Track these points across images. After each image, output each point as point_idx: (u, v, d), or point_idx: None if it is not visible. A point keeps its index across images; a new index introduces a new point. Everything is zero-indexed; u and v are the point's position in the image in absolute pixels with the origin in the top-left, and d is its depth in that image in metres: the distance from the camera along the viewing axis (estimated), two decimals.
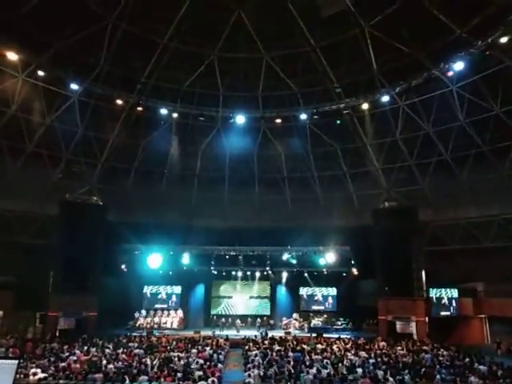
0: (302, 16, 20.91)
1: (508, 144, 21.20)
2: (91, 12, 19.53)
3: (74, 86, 21.75)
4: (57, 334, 21.10)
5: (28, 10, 18.03)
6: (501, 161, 21.78)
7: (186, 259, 25.78)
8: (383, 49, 21.50)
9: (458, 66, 19.64)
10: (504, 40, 17.88)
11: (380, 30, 20.56)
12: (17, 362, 6.88)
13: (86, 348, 16.50)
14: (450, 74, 20.45)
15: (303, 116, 24.30)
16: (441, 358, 16.19)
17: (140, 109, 23.60)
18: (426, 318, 22.41)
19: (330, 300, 28.43)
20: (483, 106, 20.84)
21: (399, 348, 17.89)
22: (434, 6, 18.34)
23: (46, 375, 12.61)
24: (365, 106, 23.24)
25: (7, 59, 19.14)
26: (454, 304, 23.19)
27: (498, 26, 17.77)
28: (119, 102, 22.97)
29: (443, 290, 23.33)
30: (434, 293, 23.17)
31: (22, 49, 19.28)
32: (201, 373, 12.83)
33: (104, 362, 14.07)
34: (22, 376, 11.55)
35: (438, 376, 13.81)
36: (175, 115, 24.45)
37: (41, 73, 20.67)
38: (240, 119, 24.49)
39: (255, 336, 21.57)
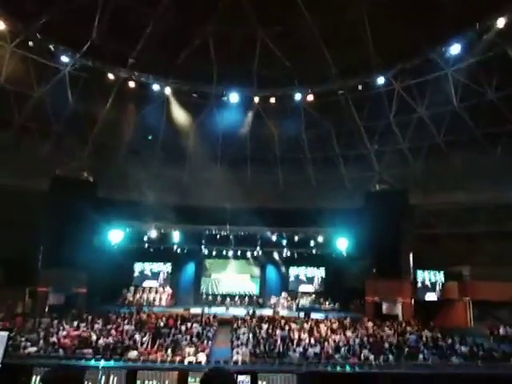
0: None
1: (501, 130, 21.22)
2: None
3: (64, 59, 21.24)
4: (46, 309, 21.14)
5: None
6: (493, 146, 21.88)
7: (176, 237, 25.83)
8: (381, 30, 21.21)
9: (455, 48, 19.49)
10: (501, 25, 17.75)
11: (378, 10, 20.24)
12: (7, 333, 6.92)
13: (75, 323, 16.59)
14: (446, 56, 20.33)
15: (298, 96, 24.04)
16: (425, 339, 16.58)
17: (132, 84, 23.12)
18: (412, 300, 22.80)
19: (319, 280, 28.76)
20: (478, 90, 20.79)
21: (386, 329, 18.24)
22: None
23: (36, 349, 12.71)
24: (360, 88, 23.06)
25: None
26: (439, 287, 23.60)
27: (495, 11, 17.59)
28: (111, 76, 22.50)
29: (430, 272, 23.69)
30: (420, 275, 23.52)
31: (11, 18, 18.71)
32: (190, 349, 13.03)
33: (94, 337, 14.18)
34: (11, 349, 11.61)
35: (420, 356, 14.17)
36: (168, 91, 24.03)
37: (30, 43, 20.10)
38: (234, 97, 24.17)
39: (244, 315, 21.83)
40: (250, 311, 22.54)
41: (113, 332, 15.93)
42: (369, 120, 25.12)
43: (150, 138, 26.22)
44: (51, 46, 20.76)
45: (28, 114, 22.49)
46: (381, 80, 22.53)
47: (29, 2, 19.00)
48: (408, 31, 20.56)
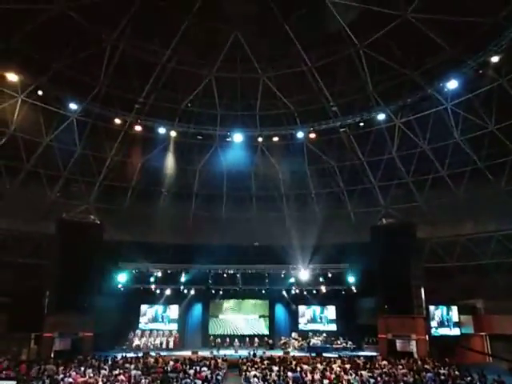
0: (297, 37, 21.31)
1: (503, 160, 21.38)
2: (90, 33, 19.85)
3: (72, 106, 21.93)
4: (52, 355, 20.72)
5: (28, 32, 18.29)
6: (497, 177, 21.94)
7: (183, 278, 25.58)
8: (378, 68, 21.95)
9: (452, 84, 19.98)
10: (495, 59, 18.28)
11: (374, 49, 21.02)
12: (14, 382, 6.82)
13: (82, 369, 16.22)
14: (444, 92, 20.83)
15: (300, 134, 24.49)
16: (442, 377, 15.98)
17: (138, 128, 23.73)
18: (427, 336, 22.17)
19: (329, 318, 28.12)
20: (478, 123, 21.12)
21: (400, 367, 17.64)
22: (426, 27, 18.74)
23: None
24: (361, 125, 23.52)
25: (7, 80, 19.35)
26: (453, 322, 22.99)
27: (488, 46, 18.19)
28: (117, 121, 23.12)
29: (443, 307, 23.16)
30: (433, 310, 22.99)
31: (22, 70, 19.51)
32: None
33: (100, 383, 13.83)
34: None
35: None
36: (173, 134, 24.60)
37: (40, 93, 20.86)
38: (237, 137, 24.66)
39: (247, 355, 21.29)
40: (252, 353, 21.92)
41: (120, 377, 15.53)
42: (372, 155, 25.44)
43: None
44: (60, 94, 21.52)
45: (37, 159, 23.00)
46: (381, 116, 22.97)
47: (40, 54, 19.83)
48: (405, 68, 21.28)
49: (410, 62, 21.11)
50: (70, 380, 14.44)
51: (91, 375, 15.34)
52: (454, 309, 23.17)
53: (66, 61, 20.56)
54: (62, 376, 14.97)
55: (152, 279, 25.25)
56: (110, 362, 18.25)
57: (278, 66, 23.48)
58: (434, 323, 22.80)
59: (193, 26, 20.60)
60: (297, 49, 21.92)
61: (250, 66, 23.21)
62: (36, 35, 18.41)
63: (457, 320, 23.03)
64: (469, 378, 15.68)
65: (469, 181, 22.89)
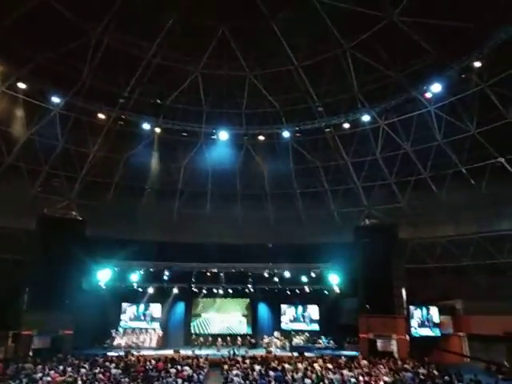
0: (284, 36, 21.31)
1: (484, 164, 21.75)
2: (75, 26, 19.48)
3: (55, 100, 21.52)
4: (30, 353, 20.31)
5: (10, 23, 17.86)
6: (478, 180, 22.31)
7: (165, 276, 25.37)
8: (364, 69, 22.12)
9: (436, 87, 20.26)
10: (478, 64, 18.62)
11: (361, 50, 21.18)
12: None
13: (61, 368, 15.95)
14: (428, 95, 21.10)
15: (286, 133, 24.55)
16: (421, 377, 16.21)
17: (122, 123, 23.41)
18: (407, 336, 22.45)
19: (312, 318, 28.24)
20: (460, 126, 21.46)
21: (380, 366, 17.84)
22: (412, 30, 18.95)
23: None
24: (346, 125, 23.69)
25: None
26: (433, 322, 23.33)
27: (472, 51, 18.50)
28: (101, 116, 22.78)
29: (423, 307, 23.48)
30: (413, 310, 23.28)
31: (3, 60, 19.03)
32: None
33: (80, 382, 13.62)
34: None
35: None
36: (158, 130, 24.35)
37: (21, 85, 20.40)
38: (223, 135, 24.56)
39: (224, 355, 21.26)
40: (231, 352, 21.88)
41: (100, 376, 15.32)
42: (356, 156, 25.65)
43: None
44: (42, 87, 21.08)
45: (18, 153, 22.50)
46: (366, 118, 23.17)
47: (22, 46, 19.37)
48: (390, 70, 21.50)
49: (396, 64, 21.33)
50: (49, 379, 14.20)
51: (70, 374, 15.11)
52: (434, 309, 23.50)
53: (49, 53, 20.12)
54: (40, 375, 14.71)
55: (134, 277, 24.98)
56: (89, 361, 17.98)
57: (264, 65, 23.43)
58: (414, 323, 23.09)
59: (179, 21, 20.40)
60: (284, 48, 21.91)
61: (236, 63, 23.13)
62: (18, 26, 17.94)
63: (437, 321, 23.36)
64: (446, 378, 15.95)
65: (450, 183, 23.24)
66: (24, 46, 19.52)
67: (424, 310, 23.42)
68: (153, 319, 26.94)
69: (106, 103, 23.03)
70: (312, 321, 28.11)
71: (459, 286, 23.11)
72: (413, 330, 22.88)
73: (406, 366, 18.25)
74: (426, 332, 23.10)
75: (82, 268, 22.74)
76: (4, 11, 17.48)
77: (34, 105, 21.68)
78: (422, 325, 23.21)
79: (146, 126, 23.85)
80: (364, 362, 18.79)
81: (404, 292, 23.08)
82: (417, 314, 23.30)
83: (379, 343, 23.00)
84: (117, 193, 26.21)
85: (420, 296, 23.73)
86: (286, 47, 21.89)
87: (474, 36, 18.10)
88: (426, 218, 24.49)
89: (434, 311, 23.45)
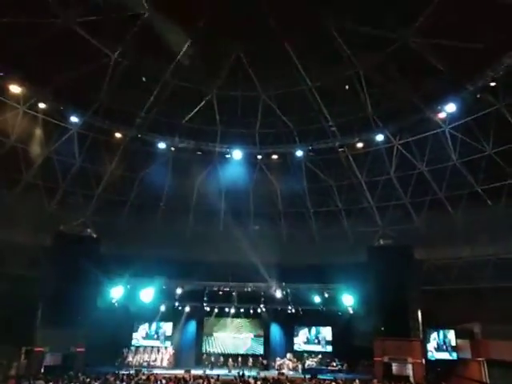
0: (298, 56, 21.60)
1: (501, 184, 21.43)
2: (94, 48, 20.07)
3: (73, 119, 22.08)
4: (42, 370, 20.32)
5: (33, 46, 18.51)
6: (495, 200, 21.94)
7: (177, 294, 25.30)
8: (377, 89, 22.18)
9: (450, 107, 20.19)
10: (493, 84, 18.52)
11: (374, 71, 21.26)
12: None
13: None
14: (443, 115, 21.03)
15: (299, 153, 24.65)
16: None
17: (138, 142, 23.85)
18: (423, 360, 21.85)
19: (325, 340, 27.76)
20: (476, 146, 21.25)
21: None
22: (425, 51, 19.03)
23: None
24: (359, 145, 23.68)
25: (10, 91, 19.49)
26: (450, 346, 22.70)
27: (487, 71, 18.44)
28: (118, 135, 23.24)
29: (440, 331, 22.90)
30: (430, 334, 22.71)
31: (25, 82, 19.67)
32: None
33: None
34: None
35: None
36: (173, 149, 24.69)
37: (42, 105, 21.02)
38: (237, 154, 24.76)
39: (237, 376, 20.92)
40: (241, 373, 21.45)
41: None
42: (370, 175, 25.55)
43: None
44: (61, 107, 21.66)
45: (36, 171, 23.03)
46: (380, 137, 23.14)
47: (42, 67, 20.02)
48: (404, 91, 21.52)
49: (409, 84, 21.34)
50: None
51: None
52: (451, 332, 22.88)
53: (69, 74, 20.72)
54: None
55: (146, 295, 24.94)
56: (100, 379, 17.89)
57: (278, 85, 23.71)
58: (430, 347, 22.50)
59: (195, 44, 20.87)
60: (297, 68, 22.18)
61: (250, 84, 23.45)
62: (39, 48, 18.57)
63: (454, 344, 22.72)
64: None
65: (466, 203, 22.88)
66: (44, 67, 20.15)
67: (441, 332, 22.84)
68: (165, 338, 26.83)
69: (122, 122, 23.53)
70: (325, 342, 27.63)
71: (477, 308, 22.44)
72: (429, 353, 22.30)
73: None
74: (443, 356, 22.47)
75: (95, 285, 22.83)
76: (27, 34, 18.12)
77: (52, 124, 22.30)
78: (438, 348, 22.61)
79: (162, 145, 24.22)
80: None
81: (420, 314, 22.59)
82: (433, 337, 22.73)
83: (394, 367, 22.42)
84: (132, 211, 26.51)
85: (436, 319, 23.14)
86: (300, 68, 22.15)
87: (489, 56, 18.06)
88: (441, 238, 24.03)
89: (451, 334, 22.84)
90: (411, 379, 21.08)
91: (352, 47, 20.55)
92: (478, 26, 17.00)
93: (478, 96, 19.43)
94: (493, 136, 20.61)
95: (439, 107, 20.76)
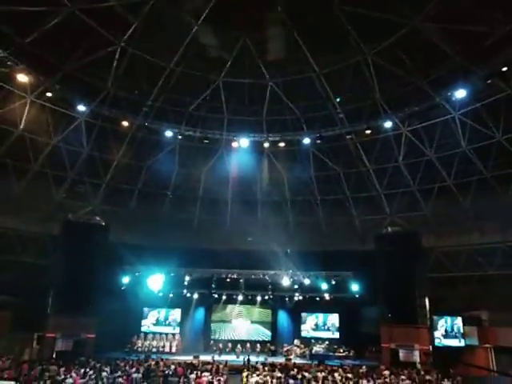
0: (306, 43, 21.34)
1: (511, 171, 21.19)
2: (100, 36, 19.98)
3: (81, 108, 22.03)
4: (53, 355, 20.74)
5: (39, 35, 18.46)
6: (504, 187, 21.73)
7: (186, 281, 25.54)
8: (386, 75, 21.85)
9: (460, 93, 19.85)
10: (504, 69, 18.16)
11: (382, 57, 20.96)
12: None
13: (82, 371, 16.22)
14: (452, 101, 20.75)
15: (306, 140, 24.44)
16: None
17: (145, 130, 23.85)
18: (430, 347, 21.94)
19: (332, 326, 27.96)
20: (485, 133, 20.97)
21: (403, 377, 17.46)
22: (435, 35, 18.69)
23: None
24: (367, 132, 23.43)
25: (17, 81, 19.51)
26: (458, 332, 22.75)
27: (498, 56, 18.07)
28: (125, 123, 23.22)
29: (447, 318, 22.94)
30: (437, 320, 22.76)
31: (32, 71, 19.65)
32: None
33: None
34: None
35: None
36: (180, 138, 24.67)
37: (49, 94, 21.00)
38: (244, 142, 24.67)
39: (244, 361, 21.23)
40: (246, 358, 21.79)
41: (120, 380, 15.54)
42: (378, 163, 25.36)
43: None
44: (69, 96, 21.67)
45: (44, 160, 23.15)
46: (388, 124, 22.86)
47: (49, 56, 20.00)
48: (413, 76, 21.20)
49: (419, 69, 21.01)
50: (71, 381, 14.47)
51: (92, 377, 15.36)
52: (459, 319, 22.93)
53: (76, 63, 20.71)
54: (63, 377, 15.00)
55: (155, 282, 25.18)
56: (110, 365, 18.22)
57: (285, 72, 23.49)
58: (437, 334, 22.58)
59: (202, 30, 20.69)
60: (305, 55, 21.93)
61: (257, 71, 23.25)
62: (46, 37, 18.53)
63: (461, 331, 22.78)
64: None
65: (475, 190, 22.67)
66: (51, 56, 20.15)
67: (448, 320, 22.88)
68: (175, 324, 27.19)
69: (129, 111, 23.50)
70: (333, 329, 27.83)
71: (485, 296, 22.43)
72: (437, 340, 22.38)
73: (429, 377, 17.83)
74: (450, 343, 22.55)
75: (104, 273, 23.11)
76: (33, 23, 18.09)
77: (60, 113, 22.34)
78: (446, 335, 22.68)
79: (169, 134, 24.16)
80: (386, 373, 18.45)
81: (427, 301, 22.62)
82: (441, 324, 22.78)
83: (401, 353, 22.54)
84: (139, 199, 26.65)
85: (444, 306, 23.16)
86: (308, 54, 21.90)
87: (500, 40, 17.71)
88: (450, 225, 23.96)
89: (458, 321, 22.89)
90: (418, 365, 21.19)
91: (360, 32, 20.22)
92: (488, 10, 16.67)
93: (489, 81, 19.06)
94: (503, 122, 20.29)
95: (449, 93, 20.43)
